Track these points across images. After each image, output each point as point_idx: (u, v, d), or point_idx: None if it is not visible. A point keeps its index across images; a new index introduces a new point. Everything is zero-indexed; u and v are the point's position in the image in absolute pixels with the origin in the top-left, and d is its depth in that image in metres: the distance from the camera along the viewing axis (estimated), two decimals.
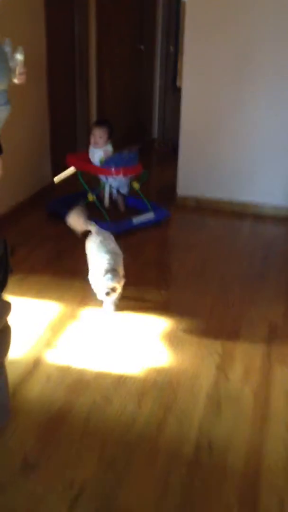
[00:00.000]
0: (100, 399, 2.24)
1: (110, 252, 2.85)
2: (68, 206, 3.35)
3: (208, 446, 2.02)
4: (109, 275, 2.73)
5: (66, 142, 5.08)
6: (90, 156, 4.21)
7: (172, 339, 2.69)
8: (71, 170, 4.99)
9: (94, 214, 3.69)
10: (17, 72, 2.59)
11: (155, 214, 4.11)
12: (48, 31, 4.32)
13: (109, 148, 4.17)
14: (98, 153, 4.14)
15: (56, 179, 4.91)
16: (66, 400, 2.22)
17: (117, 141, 4.36)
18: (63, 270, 3.36)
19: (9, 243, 2.91)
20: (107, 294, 2.76)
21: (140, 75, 6.34)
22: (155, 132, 6.90)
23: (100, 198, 4.28)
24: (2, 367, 1.93)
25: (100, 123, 4.28)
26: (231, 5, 4.10)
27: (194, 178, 4.56)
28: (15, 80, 2.63)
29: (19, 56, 2.58)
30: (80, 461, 1.92)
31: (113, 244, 2.96)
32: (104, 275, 2.73)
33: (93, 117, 5.50)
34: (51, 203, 4.26)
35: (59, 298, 3.02)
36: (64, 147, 4.89)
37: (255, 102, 4.25)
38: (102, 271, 2.75)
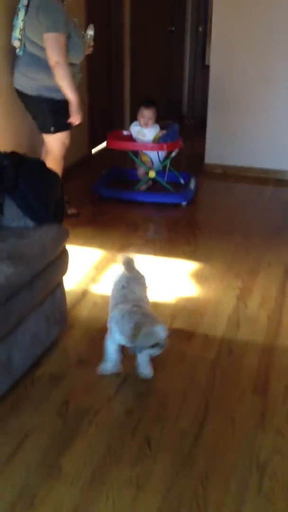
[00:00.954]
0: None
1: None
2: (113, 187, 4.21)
3: (228, 351, 2.46)
4: (160, 326, 2.05)
5: (102, 117, 5.53)
6: (137, 135, 4.37)
7: (199, 277, 3.12)
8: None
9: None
10: (87, 45, 3.39)
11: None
12: (86, 13, 4.74)
13: (157, 126, 4.35)
14: (151, 132, 4.31)
15: (94, 151, 5.38)
16: None
17: None
18: (103, 225, 3.84)
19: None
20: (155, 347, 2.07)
21: (171, 55, 6.73)
22: (185, 108, 7.29)
23: (139, 176, 4.56)
24: (62, 284, 2.39)
25: (148, 104, 4.33)
26: None
27: (220, 147, 4.96)
28: (86, 52, 3.47)
29: (90, 32, 3.34)
30: (125, 360, 2.39)
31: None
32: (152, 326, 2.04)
33: (127, 94, 5.94)
34: (97, 187, 4.40)
35: (101, 246, 3.49)
36: (100, 122, 5.35)
37: (277, 77, 4.61)
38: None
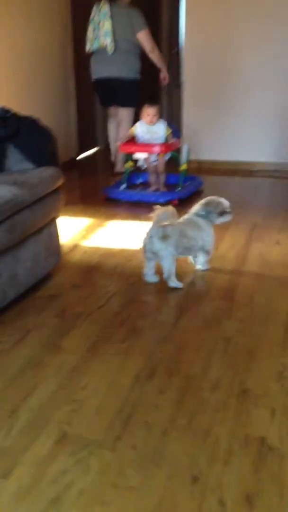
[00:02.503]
0: (123, 260, 3.11)
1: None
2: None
3: (201, 276, 2.87)
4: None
5: (87, 130, 6.06)
6: (146, 134, 4.34)
7: None
8: (92, 150, 5.97)
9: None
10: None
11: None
12: (74, 41, 5.32)
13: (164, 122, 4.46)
14: (160, 127, 4.34)
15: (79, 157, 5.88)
16: (98, 261, 3.10)
17: None
18: (91, 203, 4.29)
19: None
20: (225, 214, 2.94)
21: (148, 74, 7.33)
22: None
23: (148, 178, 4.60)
24: (56, 222, 2.80)
25: (152, 102, 4.39)
26: (225, 18, 5.08)
27: (195, 145, 5.47)
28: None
29: None
30: (108, 290, 2.78)
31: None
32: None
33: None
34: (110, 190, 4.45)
35: (90, 214, 3.93)
36: (86, 132, 5.88)
37: (246, 87, 5.19)
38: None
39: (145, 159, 4.43)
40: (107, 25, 4.58)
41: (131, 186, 4.56)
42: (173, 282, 2.72)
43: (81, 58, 5.57)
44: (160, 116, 4.41)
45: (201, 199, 2.97)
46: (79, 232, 3.58)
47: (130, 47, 4.74)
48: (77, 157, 5.76)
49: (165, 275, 2.72)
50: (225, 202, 2.91)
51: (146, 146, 4.29)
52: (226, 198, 3.00)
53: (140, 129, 4.38)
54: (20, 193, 2.36)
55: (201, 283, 2.84)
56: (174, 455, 1.62)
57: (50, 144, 2.76)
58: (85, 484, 1.52)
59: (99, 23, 4.62)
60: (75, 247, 3.32)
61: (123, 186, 4.45)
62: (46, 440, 1.69)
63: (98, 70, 4.86)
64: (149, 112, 4.31)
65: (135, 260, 3.10)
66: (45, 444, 1.68)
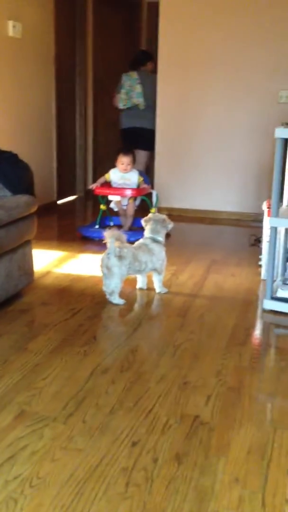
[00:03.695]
0: (91, 284, 3.38)
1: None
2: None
3: (160, 297, 3.16)
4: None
5: (67, 175, 6.46)
6: (120, 180, 4.66)
7: None
8: (72, 197, 6.35)
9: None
10: None
11: None
12: (57, 97, 5.79)
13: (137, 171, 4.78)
14: (133, 176, 4.66)
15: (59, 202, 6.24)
16: (68, 284, 3.37)
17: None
18: (65, 239, 4.61)
19: None
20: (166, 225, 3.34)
21: None
22: None
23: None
24: (30, 246, 3.09)
25: (126, 152, 4.68)
26: (194, 59, 5.63)
27: (166, 193, 5.87)
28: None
29: None
30: (74, 307, 3.05)
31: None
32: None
33: (90, 157, 6.95)
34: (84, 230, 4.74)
35: (64, 249, 4.23)
36: (66, 178, 6.27)
37: (209, 141, 5.68)
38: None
39: (117, 203, 4.76)
40: (138, 88, 5.78)
41: (103, 227, 4.87)
42: (115, 299, 3.03)
43: (61, 112, 6.05)
44: (133, 164, 4.71)
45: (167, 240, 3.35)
46: (53, 261, 3.87)
47: (153, 104, 5.84)
48: (57, 201, 6.12)
49: (108, 291, 3.03)
50: (163, 215, 3.38)
51: (119, 190, 4.63)
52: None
53: (115, 176, 4.70)
54: None
55: (159, 303, 3.12)
56: (118, 427, 1.86)
57: (27, 175, 3.09)
58: (38, 447, 1.75)
59: (131, 87, 5.80)
60: (48, 273, 3.60)
61: (96, 226, 4.78)
62: (6, 416, 1.92)
63: (130, 122, 5.95)
64: (123, 161, 4.62)
65: (102, 284, 3.38)
66: (5, 419, 1.90)
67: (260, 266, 3.74)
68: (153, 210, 4.75)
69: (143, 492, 1.54)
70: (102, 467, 1.64)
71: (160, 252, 3.21)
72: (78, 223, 5.38)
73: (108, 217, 4.99)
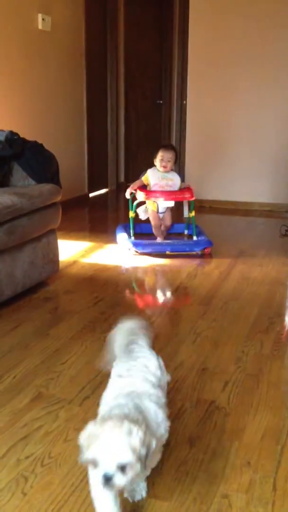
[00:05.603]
0: (115, 274, 3.39)
1: None
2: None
3: (183, 288, 3.14)
4: None
5: (100, 170, 6.49)
6: (161, 181, 3.91)
7: (173, 259, 3.84)
8: (103, 190, 6.40)
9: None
10: None
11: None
12: (87, 91, 5.82)
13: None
14: (175, 176, 3.96)
15: (91, 195, 6.28)
16: (93, 274, 3.39)
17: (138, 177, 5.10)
18: (95, 230, 4.64)
19: None
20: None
21: (159, 124, 7.83)
22: None
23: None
24: (55, 234, 3.12)
25: (168, 146, 4.02)
26: (224, 72, 5.56)
27: (198, 186, 5.82)
28: None
29: None
30: (97, 295, 3.05)
31: None
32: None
33: (122, 153, 6.96)
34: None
35: (92, 240, 4.25)
36: (98, 173, 6.31)
37: (240, 132, 5.61)
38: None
39: (152, 212, 3.97)
40: None
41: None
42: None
43: (92, 105, 6.07)
44: (175, 163, 3.98)
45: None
46: (80, 251, 3.89)
47: None
48: (88, 194, 6.15)
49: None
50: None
51: (172, 193, 3.88)
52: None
53: (154, 177, 3.93)
54: (19, 202, 2.69)
55: (183, 291, 3.10)
56: None
57: (52, 164, 3.11)
58: (52, 428, 1.76)
59: None
60: (74, 262, 3.62)
61: (132, 238, 3.92)
62: (23, 398, 1.94)
63: None
64: (164, 156, 3.88)
65: (126, 274, 3.39)
66: (22, 401, 1.93)
67: None
68: (192, 213, 4.02)
69: (153, 473, 1.52)
70: None
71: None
72: (110, 216, 5.40)
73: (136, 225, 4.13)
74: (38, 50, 4.85)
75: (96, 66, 6.20)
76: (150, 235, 4.05)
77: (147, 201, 3.96)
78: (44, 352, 2.30)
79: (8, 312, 2.73)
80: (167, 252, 3.78)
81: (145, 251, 3.77)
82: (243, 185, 5.73)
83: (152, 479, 1.50)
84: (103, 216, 5.48)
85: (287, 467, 1.56)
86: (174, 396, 1.93)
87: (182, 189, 3.96)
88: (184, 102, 8.03)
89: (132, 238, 3.92)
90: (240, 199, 5.73)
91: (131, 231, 3.98)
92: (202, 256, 3.78)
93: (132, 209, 4.01)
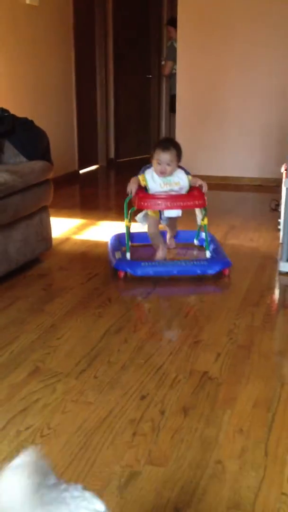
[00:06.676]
0: (108, 250, 3.42)
1: None
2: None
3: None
4: None
5: (89, 143, 6.47)
6: (159, 188, 3.03)
7: None
8: (94, 167, 6.39)
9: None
10: None
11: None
12: (76, 66, 5.76)
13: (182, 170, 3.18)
14: (181, 177, 3.07)
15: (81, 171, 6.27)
16: (85, 250, 3.42)
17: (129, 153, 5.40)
18: (86, 207, 4.64)
19: None
20: None
21: (149, 98, 7.78)
22: None
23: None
24: (47, 211, 3.13)
25: (166, 145, 3.05)
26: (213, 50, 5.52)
27: (188, 160, 5.83)
28: None
29: None
30: (90, 272, 3.09)
31: None
32: None
33: (111, 131, 6.94)
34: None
35: (84, 217, 4.27)
36: (87, 146, 6.29)
37: (229, 107, 5.60)
38: None
39: (153, 219, 3.21)
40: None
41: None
42: None
43: (81, 81, 6.01)
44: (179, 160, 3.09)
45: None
46: (72, 228, 3.92)
47: None
48: (79, 170, 6.14)
49: None
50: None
51: (178, 198, 3.01)
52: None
53: (154, 184, 3.04)
54: (11, 179, 2.70)
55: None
56: (128, 382, 1.90)
57: (43, 141, 3.11)
58: (50, 401, 1.81)
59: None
60: (67, 239, 3.65)
61: (128, 255, 3.07)
62: (21, 372, 1.99)
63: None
64: (161, 159, 2.98)
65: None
66: (20, 375, 1.97)
67: (279, 230, 3.71)
68: (205, 221, 3.20)
69: (148, 441, 1.58)
70: (111, 419, 1.70)
71: None
72: (101, 192, 5.41)
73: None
74: (26, 25, 4.78)
75: (85, 42, 6.13)
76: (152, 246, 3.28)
77: None
78: (40, 328, 2.34)
79: (2, 289, 2.77)
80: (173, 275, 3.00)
81: (144, 274, 2.93)
82: (233, 159, 5.75)
83: (149, 447, 1.56)
84: (94, 193, 5.49)
85: (277, 434, 1.62)
86: (168, 368, 1.99)
87: (191, 191, 3.07)
88: (174, 72, 7.99)
89: (128, 255, 3.07)
90: (230, 174, 5.76)
91: (127, 246, 3.10)
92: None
93: (126, 217, 3.14)
